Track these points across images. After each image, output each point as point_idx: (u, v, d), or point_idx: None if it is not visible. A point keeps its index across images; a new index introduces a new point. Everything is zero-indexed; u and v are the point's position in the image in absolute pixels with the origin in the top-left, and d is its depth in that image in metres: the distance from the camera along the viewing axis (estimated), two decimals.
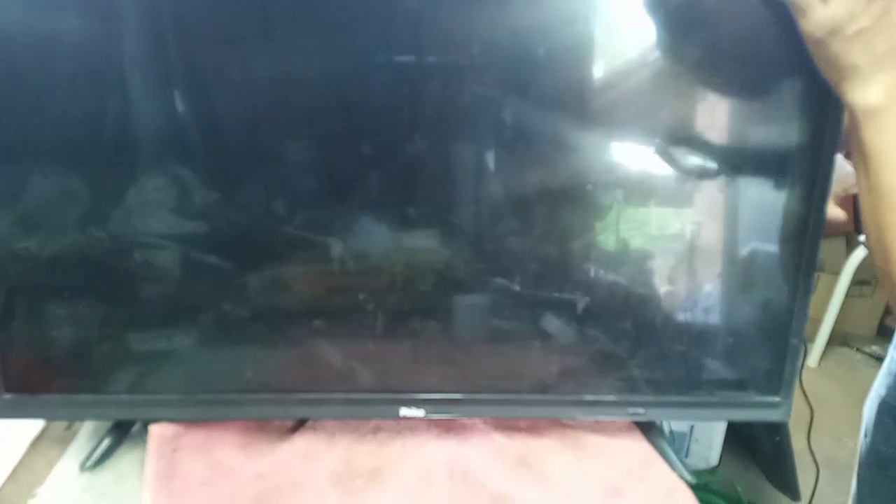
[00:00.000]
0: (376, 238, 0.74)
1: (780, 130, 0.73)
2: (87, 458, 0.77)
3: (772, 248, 0.76)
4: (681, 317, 0.79)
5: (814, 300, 0.81)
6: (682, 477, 0.78)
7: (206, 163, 0.72)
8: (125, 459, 0.79)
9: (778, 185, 0.75)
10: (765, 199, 0.76)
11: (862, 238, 1.05)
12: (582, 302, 0.76)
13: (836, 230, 0.80)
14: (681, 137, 0.74)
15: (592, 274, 0.77)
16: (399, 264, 0.75)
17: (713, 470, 1.76)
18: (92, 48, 0.67)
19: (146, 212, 0.72)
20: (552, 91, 0.71)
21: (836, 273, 2.36)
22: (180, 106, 0.69)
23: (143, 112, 0.69)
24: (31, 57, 0.66)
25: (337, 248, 0.74)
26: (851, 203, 0.78)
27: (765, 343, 0.79)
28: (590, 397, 0.80)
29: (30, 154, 0.70)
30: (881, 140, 0.59)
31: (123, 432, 0.81)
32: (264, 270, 0.75)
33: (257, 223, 0.74)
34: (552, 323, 0.77)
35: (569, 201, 0.76)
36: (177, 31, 0.67)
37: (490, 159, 0.73)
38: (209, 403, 0.78)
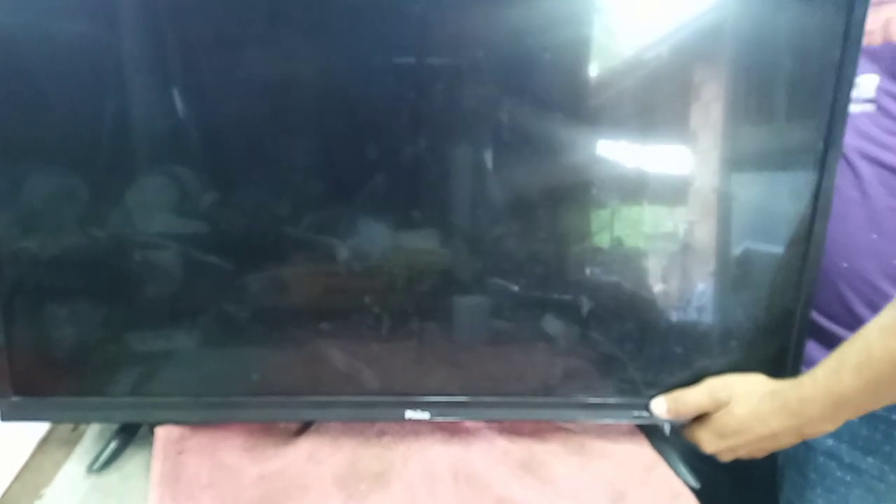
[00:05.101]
0: (382, 240, 0.75)
1: (784, 132, 0.73)
2: (95, 460, 0.77)
3: (775, 251, 0.77)
4: (685, 320, 0.79)
5: None
6: (685, 481, 0.78)
7: (213, 164, 0.72)
8: (131, 461, 0.79)
9: (782, 189, 0.75)
10: (769, 204, 0.76)
11: None
12: (587, 304, 0.77)
13: None
14: (683, 138, 0.74)
15: (597, 276, 0.77)
16: (404, 266, 0.75)
17: None
18: (94, 48, 0.67)
19: (150, 213, 0.72)
20: (555, 93, 0.72)
21: None
22: (184, 106, 0.69)
23: (148, 112, 0.70)
24: (33, 57, 0.67)
25: (342, 250, 0.74)
26: None
27: (769, 347, 0.79)
28: (593, 400, 0.80)
29: (37, 156, 0.70)
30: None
31: (130, 435, 0.81)
32: (269, 272, 0.75)
33: (261, 225, 0.74)
34: (556, 325, 0.78)
35: (576, 203, 0.76)
36: (179, 30, 0.68)
37: (496, 161, 0.73)
38: (215, 406, 0.79)
